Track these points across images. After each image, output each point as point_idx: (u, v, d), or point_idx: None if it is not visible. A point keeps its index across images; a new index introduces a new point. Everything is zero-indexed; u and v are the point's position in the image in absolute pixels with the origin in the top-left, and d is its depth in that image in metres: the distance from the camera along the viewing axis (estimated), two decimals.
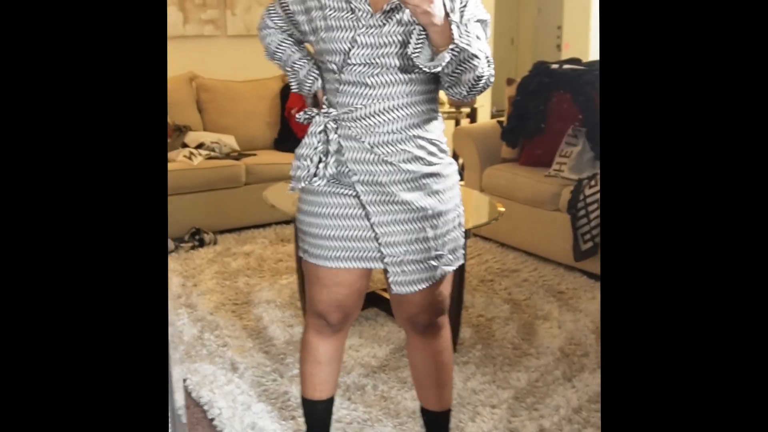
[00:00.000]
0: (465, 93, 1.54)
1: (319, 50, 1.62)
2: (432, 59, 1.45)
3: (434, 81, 1.60)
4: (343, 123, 1.60)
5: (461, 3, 1.51)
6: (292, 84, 1.75)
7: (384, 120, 1.57)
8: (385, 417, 2.25)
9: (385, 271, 1.69)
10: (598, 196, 3.29)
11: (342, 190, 1.64)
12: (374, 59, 1.53)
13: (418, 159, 1.61)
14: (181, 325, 2.92)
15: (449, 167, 1.68)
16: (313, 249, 1.69)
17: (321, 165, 1.64)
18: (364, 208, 1.63)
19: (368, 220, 1.63)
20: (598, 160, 3.55)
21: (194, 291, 3.30)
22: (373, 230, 1.63)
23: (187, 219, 3.98)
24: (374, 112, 1.57)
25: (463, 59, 1.44)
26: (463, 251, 1.75)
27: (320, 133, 1.63)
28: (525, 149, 3.96)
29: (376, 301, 2.94)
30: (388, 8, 1.52)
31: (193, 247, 3.88)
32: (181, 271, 3.55)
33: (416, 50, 1.45)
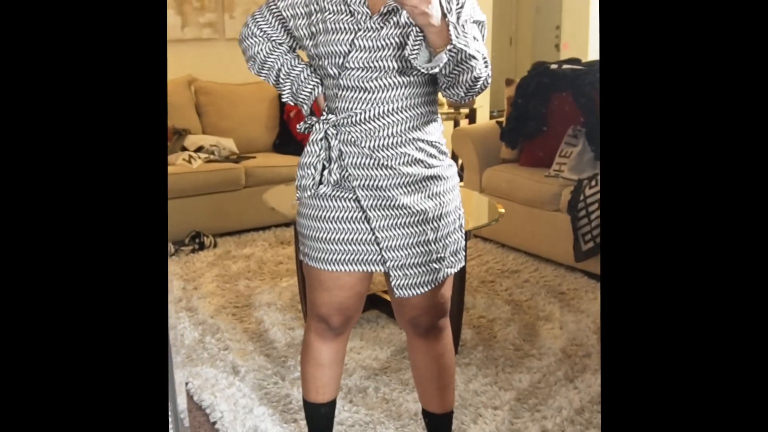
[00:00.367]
0: (463, 94, 1.54)
1: (317, 54, 1.61)
2: (429, 60, 1.45)
3: (433, 83, 1.60)
4: (343, 128, 1.60)
5: (458, 4, 1.51)
6: (285, 93, 1.72)
7: (383, 124, 1.57)
8: (387, 419, 2.25)
9: (387, 275, 1.69)
10: (598, 196, 3.29)
11: (342, 194, 1.64)
12: (372, 62, 1.53)
13: (418, 162, 1.61)
14: (182, 328, 2.92)
15: (449, 169, 1.68)
16: (314, 252, 1.68)
17: (325, 172, 1.64)
18: (364, 212, 1.63)
19: (369, 224, 1.63)
20: (598, 160, 3.55)
21: (195, 294, 3.29)
22: (374, 234, 1.63)
23: (187, 222, 3.97)
24: (374, 116, 1.57)
25: (461, 60, 1.44)
26: (464, 253, 1.75)
27: (321, 140, 1.63)
28: (525, 150, 3.95)
29: (376, 303, 2.93)
30: (385, 10, 1.52)
31: (193, 251, 3.88)
32: (182, 274, 3.55)
33: (414, 51, 1.44)
